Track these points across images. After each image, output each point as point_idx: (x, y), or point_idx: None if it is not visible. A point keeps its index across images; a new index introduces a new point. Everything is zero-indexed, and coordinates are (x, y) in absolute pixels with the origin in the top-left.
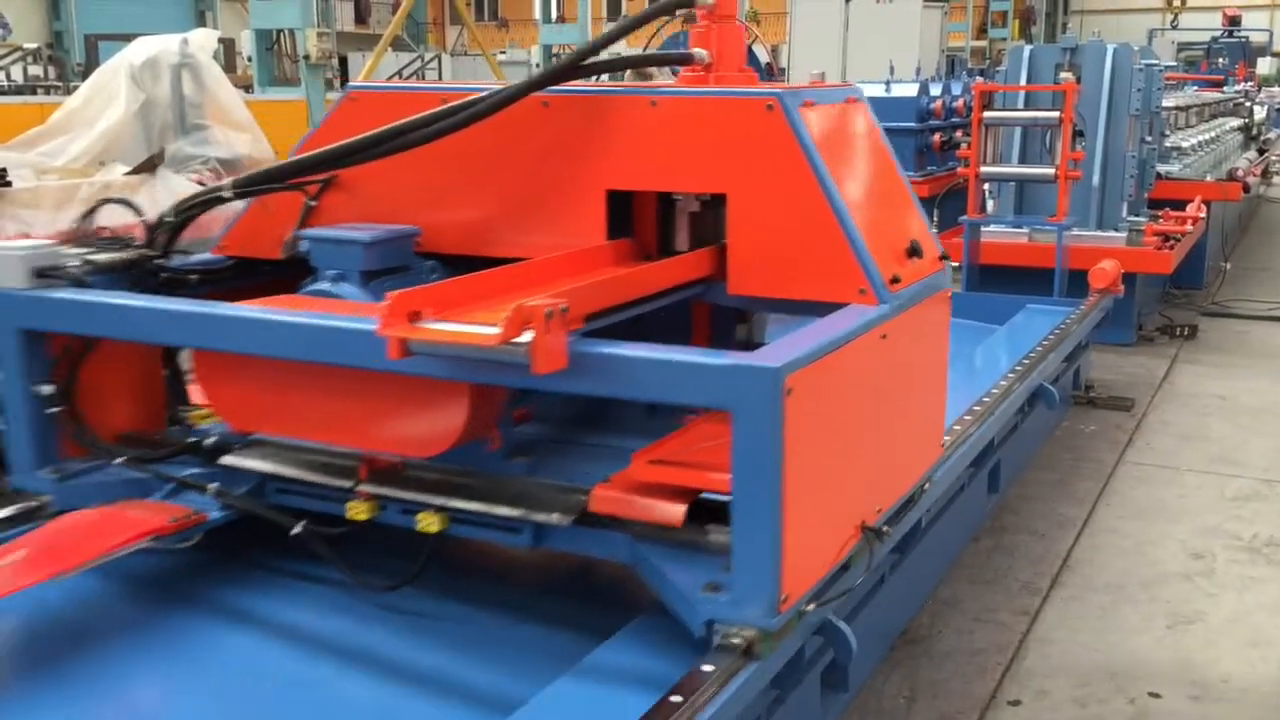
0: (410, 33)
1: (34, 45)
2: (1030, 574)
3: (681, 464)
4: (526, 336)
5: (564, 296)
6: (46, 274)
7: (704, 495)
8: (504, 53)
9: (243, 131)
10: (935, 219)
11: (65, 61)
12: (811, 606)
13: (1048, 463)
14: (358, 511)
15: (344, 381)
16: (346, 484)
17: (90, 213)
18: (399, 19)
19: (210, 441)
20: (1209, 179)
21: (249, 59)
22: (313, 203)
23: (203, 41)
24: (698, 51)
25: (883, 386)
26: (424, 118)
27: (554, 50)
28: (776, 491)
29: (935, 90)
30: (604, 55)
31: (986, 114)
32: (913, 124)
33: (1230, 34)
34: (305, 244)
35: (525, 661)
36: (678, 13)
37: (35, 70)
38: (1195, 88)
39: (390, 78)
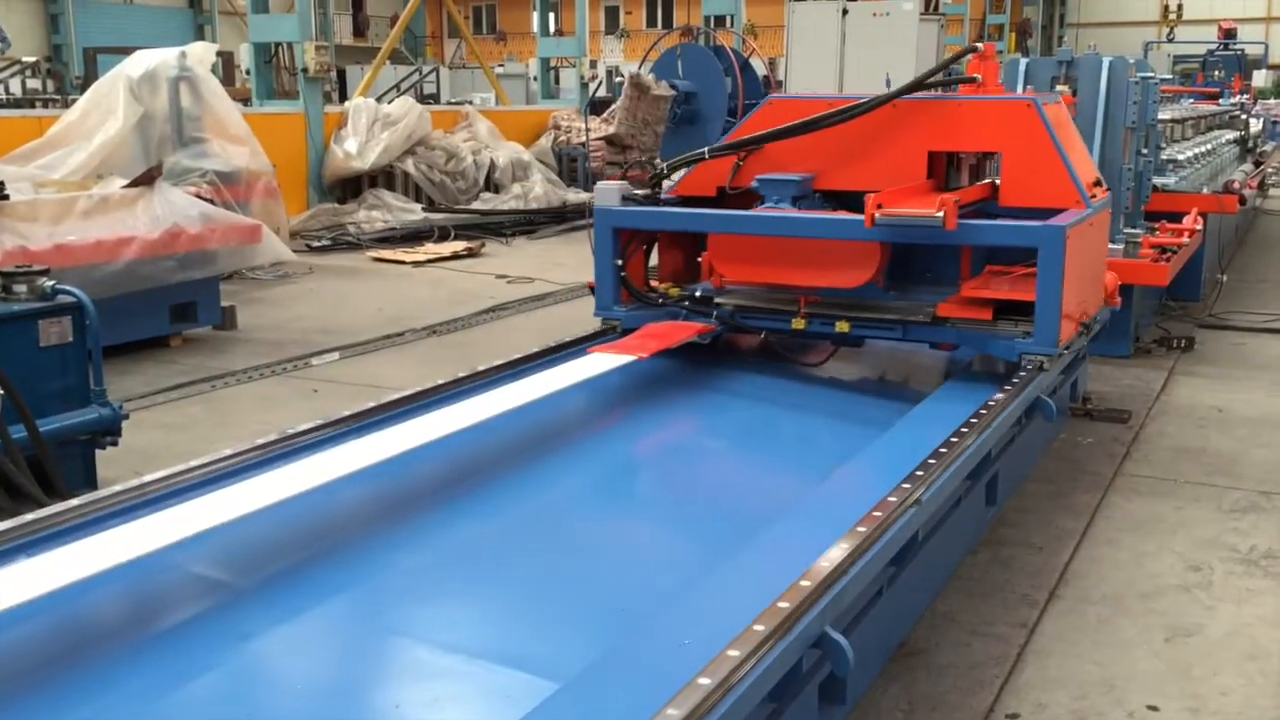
0: (408, 46)
1: (33, 58)
2: (1028, 586)
3: (988, 290)
4: (941, 213)
5: (951, 197)
6: (626, 199)
7: (1004, 303)
8: (502, 65)
9: (241, 144)
10: None
11: (64, 75)
12: (1066, 351)
13: (1045, 475)
14: (799, 323)
15: (812, 249)
16: (793, 309)
17: (628, 169)
18: (397, 32)
19: (698, 293)
20: (1205, 191)
21: (247, 72)
22: (740, 164)
23: (201, 55)
24: (976, 75)
25: (1089, 252)
26: (831, 113)
27: (551, 63)
28: (1061, 284)
29: None
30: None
31: None
32: None
33: (1226, 47)
34: (754, 183)
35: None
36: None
37: (34, 83)
38: (1191, 100)
39: (388, 91)
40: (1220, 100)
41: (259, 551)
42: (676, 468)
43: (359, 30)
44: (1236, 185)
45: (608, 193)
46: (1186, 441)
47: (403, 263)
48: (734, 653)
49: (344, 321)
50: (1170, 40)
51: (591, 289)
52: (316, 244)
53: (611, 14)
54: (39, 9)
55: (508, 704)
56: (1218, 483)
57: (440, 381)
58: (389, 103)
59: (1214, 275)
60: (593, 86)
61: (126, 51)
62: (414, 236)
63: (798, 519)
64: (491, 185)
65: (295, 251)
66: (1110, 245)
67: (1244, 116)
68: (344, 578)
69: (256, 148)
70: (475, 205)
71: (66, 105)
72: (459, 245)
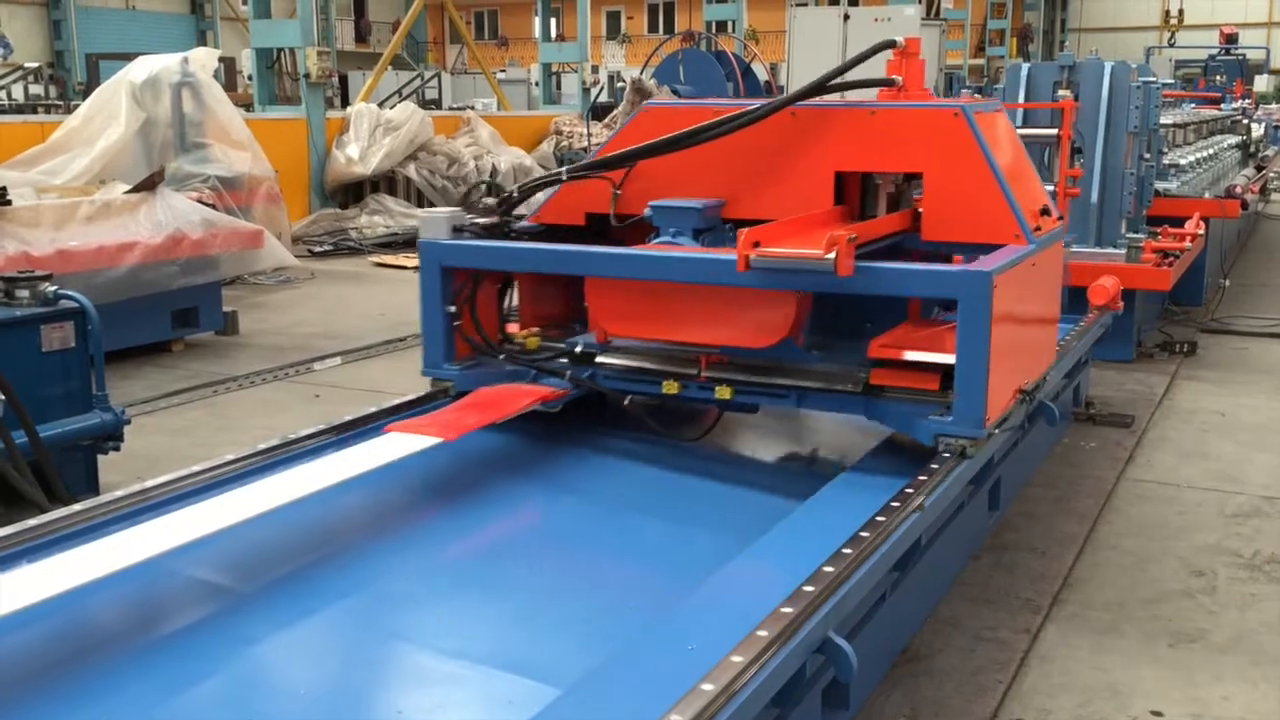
0: (410, 51)
1: (35, 64)
2: (1031, 592)
3: (923, 348)
4: (832, 254)
5: (846, 233)
6: (458, 230)
7: (939, 365)
8: (504, 71)
9: (243, 150)
10: None
11: (66, 80)
12: (997, 431)
13: (1048, 480)
14: (670, 387)
15: (704, 298)
16: (692, 372)
17: (470, 193)
18: (399, 38)
19: (579, 348)
20: (1207, 196)
21: (249, 78)
22: (618, 190)
23: (203, 60)
24: (895, 77)
25: (1030, 299)
26: (711, 124)
27: (553, 68)
28: (986, 349)
29: None
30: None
31: None
32: None
33: (1227, 51)
34: (648, 211)
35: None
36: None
37: (36, 89)
38: (1193, 105)
39: (390, 96)
40: (1222, 105)
41: (261, 557)
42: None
43: (361, 36)
44: (1238, 190)
45: (435, 223)
46: (1189, 446)
47: (404, 268)
48: (737, 658)
49: (346, 326)
50: (1172, 45)
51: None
52: (318, 249)
53: (613, 19)
54: (42, 15)
55: (510, 710)
56: (1221, 488)
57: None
58: (391, 108)
59: (1216, 280)
60: (594, 92)
61: (129, 57)
62: (416, 241)
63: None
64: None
65: (297, 256)
66: (1112, 250)
67: (1246, 121)
68: (346, 583)
69: (259, 153)
70: None
71: (69, 111)
72: None
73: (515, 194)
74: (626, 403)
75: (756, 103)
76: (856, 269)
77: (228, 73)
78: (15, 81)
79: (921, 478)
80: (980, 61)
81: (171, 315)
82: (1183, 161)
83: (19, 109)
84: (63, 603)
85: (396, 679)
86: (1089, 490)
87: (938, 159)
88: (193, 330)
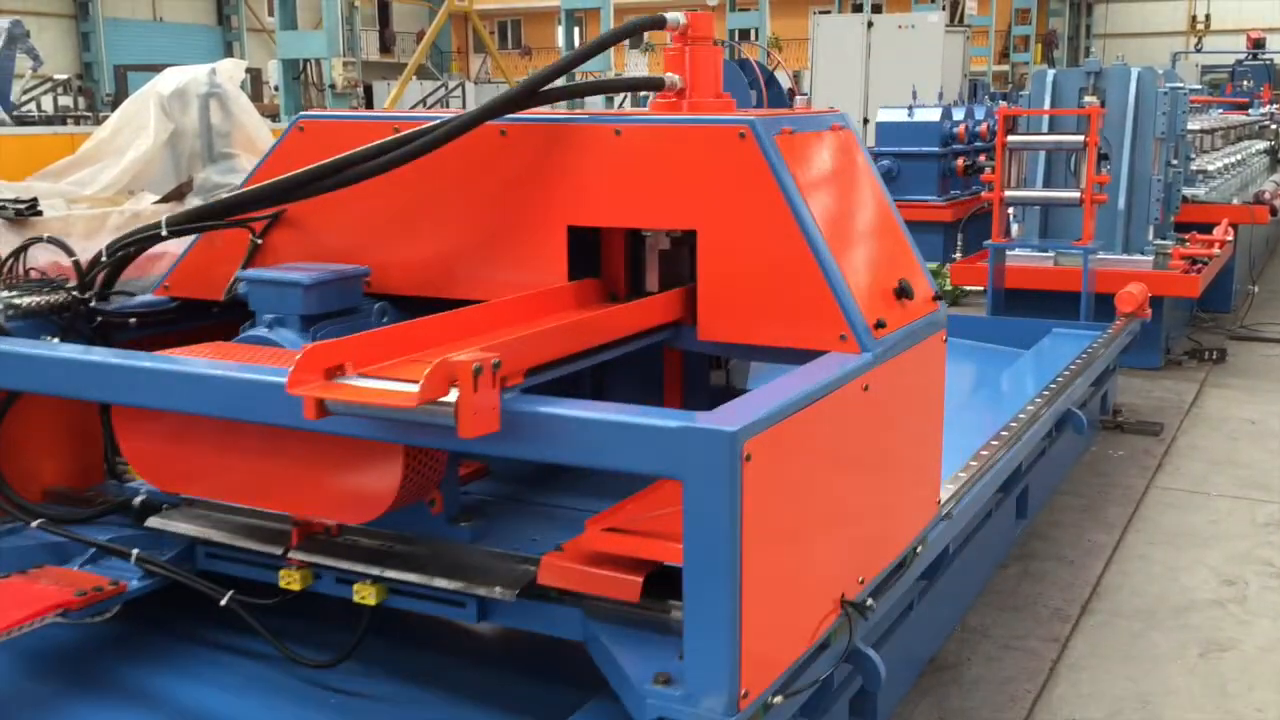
0: (434, 61)
1: (64, 76)
2: (1060, 600)
3: (640, 532)
4: (452, 395)
5: (499, 349)
6: None
7: (666, 566)
8: None
9: None
10: (960, 243)
11: (95, 92)
12: (779, 699)
13: (1076, 488)
14: (290, 581)
15: (271, 441)
16: (277, 550)
17: (20, 252)
18: (424, 48)
19: (139, 501)
20: (1235, 202)
21: (276, 88)
22: (259, 240)
23: (230, 71)
24: (669, 76)
25: (865, 443)
26: (374, 148)
27: (578, 78)
28: (734, 571)
29: (958, 115)
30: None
31: (1011, 138)
32: (936, 148)
33: (1255, 56)
34: (243, 286)
35: None
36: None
37: (65, 101)
38: (1220, 110)
39: (414, 105)
40: (1250, 110)
41: None
42: None
43: (386, 46)
44: (1267, 196)
45: None
46: (1219, 454)
47: None
48: None
49: None
50: (1198, 50)
51: None
52: None
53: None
54: (70, 27)
55: None
56: (1251, 495)
57: None
58: None
59: (1245, 286)
60: (618, 100)
61: (157, 68)
62: None
63: None
64: None
65: None
66: (1139, 256)
67: (1274, 126)
68: None
69: None
70: None
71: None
72: None
73: (104, 256)
74: (222, 603)
75: (448, 114)
76: (506, 418)
77: (254, 83)
78: (45, 93)
79: None
80: (1005, 68)
81: None
82: (1210, 167)
83: (48, 120)
84: None
85: None
86: (1117, 498)
87: (716, 208)
88: None
